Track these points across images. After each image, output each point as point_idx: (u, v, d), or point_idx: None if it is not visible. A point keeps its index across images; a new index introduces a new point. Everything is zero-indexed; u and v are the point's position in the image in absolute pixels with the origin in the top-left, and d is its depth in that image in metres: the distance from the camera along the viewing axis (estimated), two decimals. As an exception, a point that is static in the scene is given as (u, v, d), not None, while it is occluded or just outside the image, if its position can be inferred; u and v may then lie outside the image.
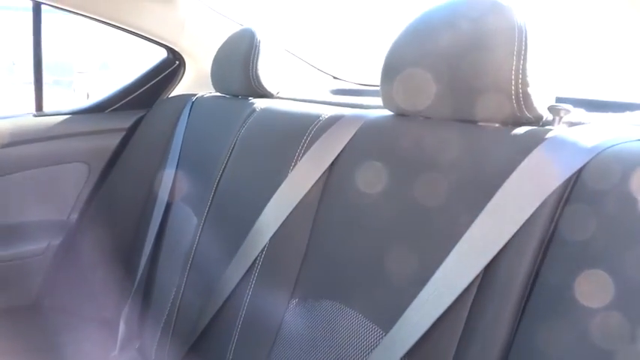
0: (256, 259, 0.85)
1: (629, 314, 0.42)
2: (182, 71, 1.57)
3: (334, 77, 1.70)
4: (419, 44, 0.67)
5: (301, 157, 0.85)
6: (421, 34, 0.67)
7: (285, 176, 0.85)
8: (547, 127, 0.59)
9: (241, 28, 1.24)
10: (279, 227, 0.83)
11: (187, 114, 1.33)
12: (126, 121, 1.52)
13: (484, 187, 0.57)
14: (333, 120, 0.84)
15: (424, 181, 0.65)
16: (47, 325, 1.33)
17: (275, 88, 1.19)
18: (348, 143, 0.78)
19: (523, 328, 0.50)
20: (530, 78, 0.58)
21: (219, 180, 1.06)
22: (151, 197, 1.34)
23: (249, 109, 1.09)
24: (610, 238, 0.46)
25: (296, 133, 0.88)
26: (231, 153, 1.06)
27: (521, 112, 0.59)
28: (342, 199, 0.76)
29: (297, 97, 1.22)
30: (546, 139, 0.56)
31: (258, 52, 1.13)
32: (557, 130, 0.57)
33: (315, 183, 0.80)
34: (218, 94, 1.31)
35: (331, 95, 1.53)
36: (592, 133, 0.54)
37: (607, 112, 0.74)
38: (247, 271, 0.86)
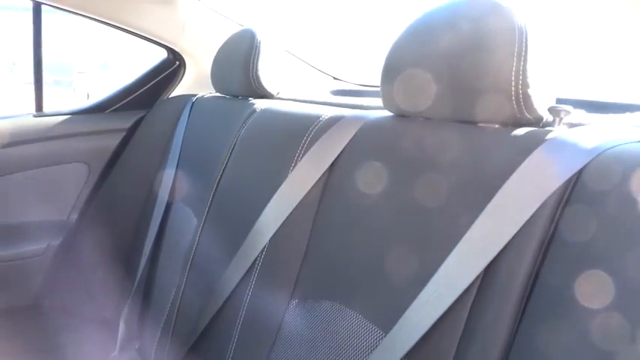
0: (256, 259, 0.85)
1: (630, 315, 0.42)
2: (182, 72, 1.57)
3: (334, 78, 1.71)
4: (419, 45, 0.67)
5: (301, 158, 0.85)
6: (421, 34, 0.67)
7: (286, 177, 0.85)
8: (547, 129, 0.59)
9: (241, 28, 1.24)
10: (279, 227, 0.83)
11: (187, 114, 1.33)
12: (126, 122, 1.52)
13: (484, 188, 0.57)
14: (334, 121, 0.84)
15: (424, 181, 0.65)
16: (47, 326, 1.33)
17: (275, 88, 1.19)
18: (348, 144, 0.78)
19: (523, 329, 0.50)
20: (531, 79, 0.58)
21: (219, 180, 1.06)
22: (151, 197, 1.34)
23: (249, 110, 1.09)
24: (610, 239, 0.46)
25: (296, 133, 0.88)
26: (231, 153, 1.06)
27: (522, 113, 0.59)
28: (342, 200, 0.76)
29: (298, 98, 1.23)
30: (546, 140, 0.56)
31: (258, 53, 1.13)
32: (557, 132, 0.57)
33: (315, 183, 0.80)
34: (218, 94, 1.31)
35: (331, 96, 1.53)
36: (592, 135, 0.54)
37: (607, 113, 0.74)
38: (247, 271, 0.86)
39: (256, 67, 1.14)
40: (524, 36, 0.58)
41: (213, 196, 1.06)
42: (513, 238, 0.52)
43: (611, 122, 0.67)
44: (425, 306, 0.57)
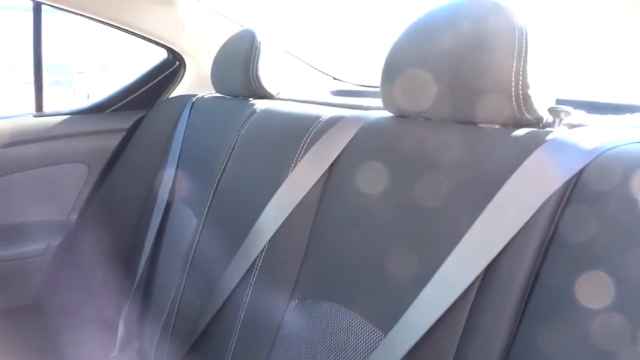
0: (256, 259, 0.85)
1: (630, 315, 0.42)
2: (182, 72, 1.57)
3: (334, 78, 1.71)
4: (419, 45, 0.67)
5: (301, 158, 0.85)
6: (422, 34, 0.67)
7: (285, 177, 0.85)
8: (547, 129, 0.59)
9: (242, 29, 1.24)
10: (279, 227, 0.83)
11: (187, 115, 1.33)
12: (126, 122, 1.53)
13: (484, 189, 0.57)
14: (334, 121, 0.84)
15: (424, 182, 0.65)
16: (47, 326, 1.32)
17: (275, 89, 1.19)
18: (348, 144, 0.78)
19: (523, 329, 0.50)
20: (531, 79, 0.58)
21: (219, 180, 1.06)
22: (150, 197, 1.34)
23: (249, 110, 1.09)
24: (610, 240, 0.46)
25: (296, 133, 0.88)
26: (231, 153, 1.06)
27: (522, 114, 0.59)
28: (342, 200, 0.76)
29: (298, 98, 1.23)
30: (546, 140, 0.56)
31: (258, 53, 1.13)
32: (557, 132, 0.57)
33: (315, 184, 0.80)
34: (218, 94, 1.31)
35: (331, 96, 1.53)
36: (592, 135, 0.54)
37: (607, 114, 0.74)
38: (247, 271, 0.86)
39: (256, 68, 1.14)
40: (524, 36, 0.58)
41: (213, 196, 1.06)
42: (513, 238, 0.52)
43: (611, 123, 0.67)
44: (425, 306, 0.57)
